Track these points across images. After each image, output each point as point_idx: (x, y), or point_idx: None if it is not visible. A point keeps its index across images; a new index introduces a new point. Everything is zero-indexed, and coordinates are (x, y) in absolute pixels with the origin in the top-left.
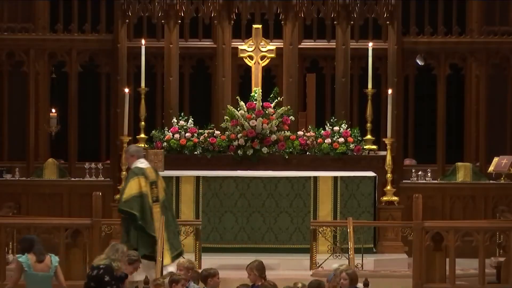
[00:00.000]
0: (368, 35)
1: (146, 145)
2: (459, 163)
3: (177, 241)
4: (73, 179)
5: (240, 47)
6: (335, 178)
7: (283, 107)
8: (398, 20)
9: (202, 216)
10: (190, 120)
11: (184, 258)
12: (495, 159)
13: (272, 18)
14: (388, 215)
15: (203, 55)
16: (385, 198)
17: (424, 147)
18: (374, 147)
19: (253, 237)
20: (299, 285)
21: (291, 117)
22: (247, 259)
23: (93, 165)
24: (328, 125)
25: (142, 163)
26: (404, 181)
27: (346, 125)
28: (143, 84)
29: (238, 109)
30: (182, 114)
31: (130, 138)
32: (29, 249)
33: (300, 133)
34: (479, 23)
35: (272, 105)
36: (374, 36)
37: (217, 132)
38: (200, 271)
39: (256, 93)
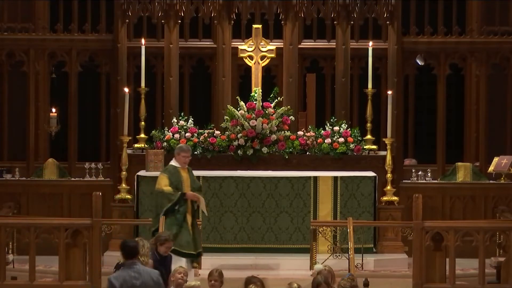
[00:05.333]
0: (368, 35)
1: (146, 145)
2: (459, 163)
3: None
4: (73, 179)
5: (240, 47)
6: (335, 178)
7: (283, 107)
8: (398, 20)
9: (202, 216)
10: (190, 120)
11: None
12: (495, 159)
13: (272, 18)
14: (388, 215)
15: (203, 55)
16: (385, 198)
17: (424, 147)
18: (374, 147)
19: (253, 237)
20: (294, 285)
21: (291, 117)
22: (247, 259)
23: (93, 165)
24: (328, 125)
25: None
26: (404, 181)
27: (346, 125)
28: (143, 84)
29: (238, 109)
30: (182, 114)
31: (130, 138)
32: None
33: (300, 133)
34: (479, 23)
35: (272, 105)
36: (374, 36)
37: (217, 132)
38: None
39: (256, 93)
